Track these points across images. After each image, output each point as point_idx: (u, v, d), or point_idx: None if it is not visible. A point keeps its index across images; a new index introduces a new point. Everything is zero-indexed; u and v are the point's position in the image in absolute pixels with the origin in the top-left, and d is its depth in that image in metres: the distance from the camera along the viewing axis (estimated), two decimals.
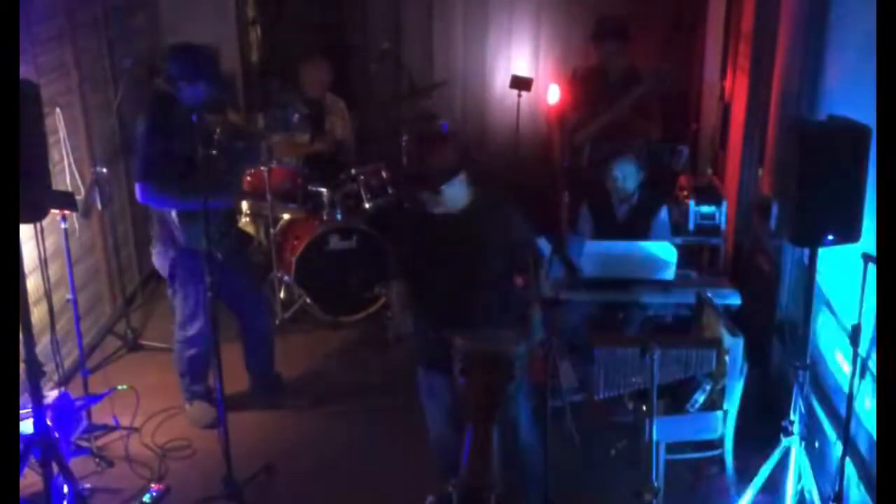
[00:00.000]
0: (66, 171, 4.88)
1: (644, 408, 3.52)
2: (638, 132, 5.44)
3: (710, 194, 5.51)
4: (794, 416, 3.51)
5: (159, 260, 4.43)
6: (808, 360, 3.50)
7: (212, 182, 3.78)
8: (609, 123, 5.38)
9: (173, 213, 4.23)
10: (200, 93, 4.21)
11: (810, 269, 3.42)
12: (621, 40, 5.50)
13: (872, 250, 3.03)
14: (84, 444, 4.27)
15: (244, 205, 5.63)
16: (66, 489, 3.49)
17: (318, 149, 5.86)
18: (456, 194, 3.42)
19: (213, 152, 4.12)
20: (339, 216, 5.69)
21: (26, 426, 3.36)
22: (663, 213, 4.93)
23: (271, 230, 5.58)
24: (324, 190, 5.69)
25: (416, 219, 3.60)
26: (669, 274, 4.49)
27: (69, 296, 4.47)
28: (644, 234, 4.80)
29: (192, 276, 4.31)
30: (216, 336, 3.88)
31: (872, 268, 3.04)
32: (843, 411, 3.33)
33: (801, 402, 3.51)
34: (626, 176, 4.83)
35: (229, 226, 4.47)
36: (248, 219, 5.74)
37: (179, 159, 4.07)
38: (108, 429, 4.45)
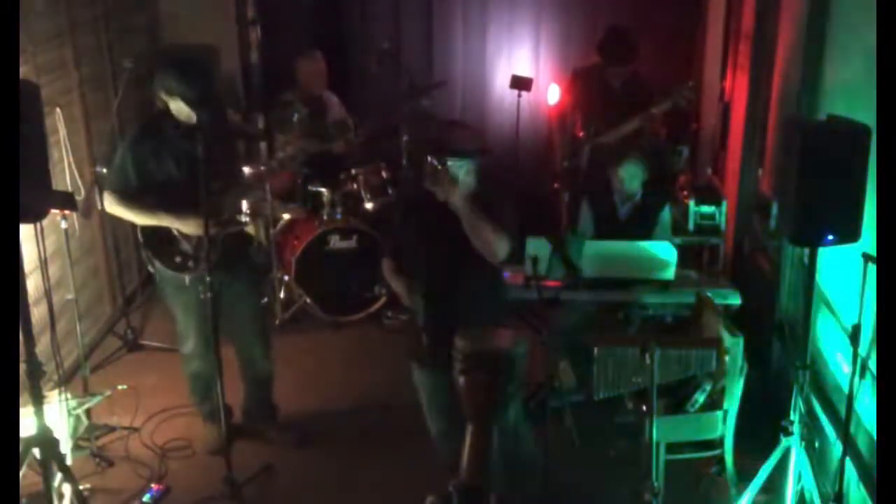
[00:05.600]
0: (66, 171, 4.88)
1: (644, 408, 3.52)
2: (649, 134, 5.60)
3: (710, 194, 5.52)
4: (794, 416, 3.51)
5: None
6: (808, 360, 3.50)
7: (186, 201, 3.67)
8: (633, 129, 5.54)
9: (138, 230, 4.06)
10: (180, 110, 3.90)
11: (810, 269, 3.43)
12: (629, 65, 5.56)
13: (872, 250, 3.03)
14: (84, 444, 4.27)
15: (244, 204, 5.59)
16: (66, 489, 3.48)
17: (339, 149, 5.86)
18: (457, 178, 3.41)
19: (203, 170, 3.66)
20: (339, 216, 5.69)
21: (26, 426, 3.36)
22: (666, 213, 4.93)
23: (271, 230, 5.58)
24: (324, 190, 5.69)
25: (412, 202, 3.60)
26: (669, 274, 4.48)
27: (69, 296, 4.47)
28: (647, 233, 4.80)
29: (172, 296, 4.13)
30: (217, 334, 3.84)
31: (872, 268, 3.04)
32: (843, 411, 3.33)
33: (801, 402, 3.51)
34: (632, 176, 4.83)
35: (214, 252, 3.91)
36: (248, 219, 5.73)
37: (154, 175, 3.89)
38: (108, 429, 4.45)
